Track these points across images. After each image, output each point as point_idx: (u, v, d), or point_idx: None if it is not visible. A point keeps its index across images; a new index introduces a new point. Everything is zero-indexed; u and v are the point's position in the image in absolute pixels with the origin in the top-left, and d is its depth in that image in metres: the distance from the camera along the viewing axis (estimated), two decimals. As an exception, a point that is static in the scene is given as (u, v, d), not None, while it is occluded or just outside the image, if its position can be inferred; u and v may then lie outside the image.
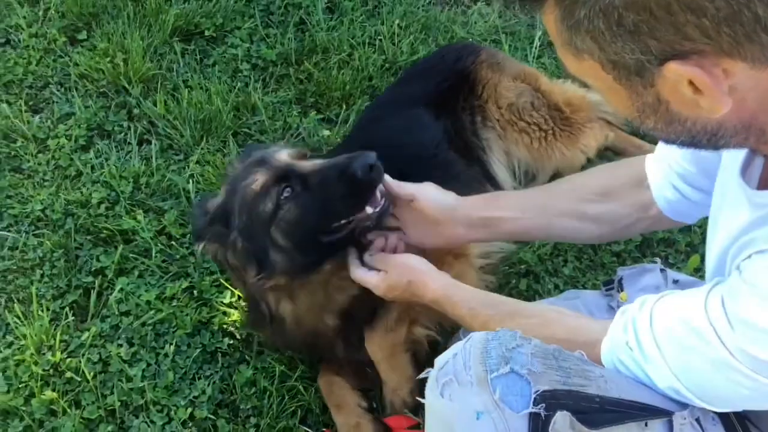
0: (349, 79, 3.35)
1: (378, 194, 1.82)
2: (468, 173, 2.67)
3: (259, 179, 1.84)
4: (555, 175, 2.93)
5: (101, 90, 3.27)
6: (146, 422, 2.14)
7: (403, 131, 2.66)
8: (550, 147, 2.87)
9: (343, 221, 1.84)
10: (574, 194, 1.91)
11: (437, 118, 2.72)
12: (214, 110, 3.14)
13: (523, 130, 2.83)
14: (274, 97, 3.30)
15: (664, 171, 1.74)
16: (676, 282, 1.98)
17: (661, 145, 1.74)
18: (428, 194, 1.89)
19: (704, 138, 1.15)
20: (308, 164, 1.87)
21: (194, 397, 2.22)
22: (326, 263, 1.95)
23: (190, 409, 2.15)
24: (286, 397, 2.19)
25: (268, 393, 2.19)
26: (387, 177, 1.87)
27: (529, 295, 2.56)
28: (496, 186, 2.75)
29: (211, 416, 2.16)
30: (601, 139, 3.01)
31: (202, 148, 3.03)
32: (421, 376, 1.42)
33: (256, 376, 2.24)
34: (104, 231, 2.66)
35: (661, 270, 2.00)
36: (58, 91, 3.27)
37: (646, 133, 1.26)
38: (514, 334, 1.32)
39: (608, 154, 3.03)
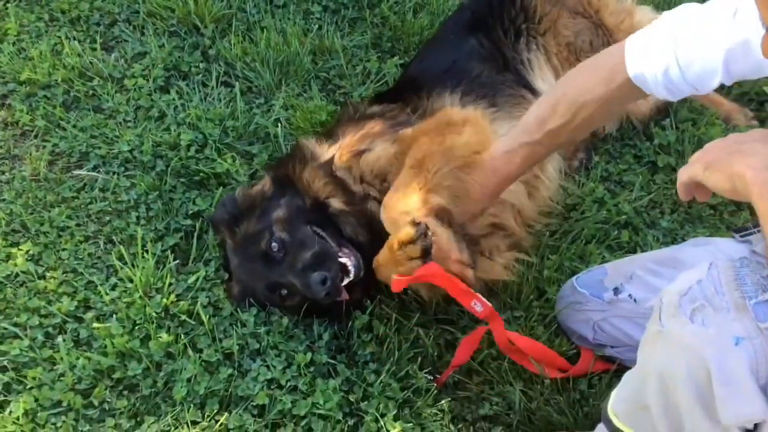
0: (426, 24, 3.27)
1: (348, 268, 2.14)
2: (495, 78, 2.72)
3: (259, 294, 2.24)
4: (621, 120, 2.92)
5: (172, 29, 3.16)
6: (266, 366, 2.12)
7: (430, 52, 2.88)
8: None
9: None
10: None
11: (467, 37, 2.78)
12: (292, 53, 3.05)
13: None
14: (349, 41, 3.22)
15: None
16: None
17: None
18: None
19: None
20: (286, 275, 2.15)
21: (311, 342, 2.20)
22: None
23: (309, 354, 2.13)
24: (404, 344, 2.17)
25: (388, 339, 2.17)
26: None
27: (630, 248, 2.55)
28: (537, 94, 2.73)
29: (331, 360, 2.15)
30: None
31: (284, 92, 2.96)
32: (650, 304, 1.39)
33: (373, 323, 2.22)
34: (200, 174, 2.60)
35: None
36: (127, 29, 3.16)
37: None
38: (762, 263, 1.31)
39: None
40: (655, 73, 1.64)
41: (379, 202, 2.22)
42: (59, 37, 3.05)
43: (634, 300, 2.06)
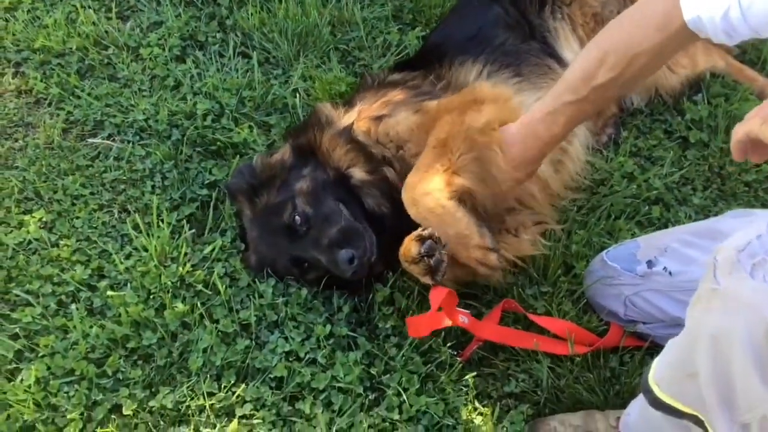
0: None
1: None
2: (520, 46, 2.61)
3: (279, 267, 2.16)
4: (650, 94, 2.81)
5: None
6: (284, 338, 2.05)
7: (453, 21, 2.77)
8: None
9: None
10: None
11: (491, 4, 2.67)
12: (311, 23, 2.97)
13: None
14: (369, 13, 3.13)
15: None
16: None
17: None
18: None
19: None
20: (310, 251, 2.07)
21: (330, 314, 2.13)
22: None
23: (329, 326, 2.06)
24: (427, 317, 2.09)
25: (410, 312, 2.09)
26: None
27: (661, 224, 2.45)
28: (563, 64, 2.64)
29: (351, 333, 2.08)
30: (705, 63, 2.85)
31: (303, 63, 2.87)
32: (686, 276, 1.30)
33: (394, 296, 2.14)
34: (217, 143, 2.53)
35: None
36: (143, -1, 3.08)
37: None
38: None
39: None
40: (714, 16, 1.50)
41: (395, 168, 2.14)
42: (74, 6, 2.98)
43: (669, 273, 1.97)
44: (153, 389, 1.96)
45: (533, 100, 2.46)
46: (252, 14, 2.98)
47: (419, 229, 1.93)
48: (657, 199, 2.53)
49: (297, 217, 2.07)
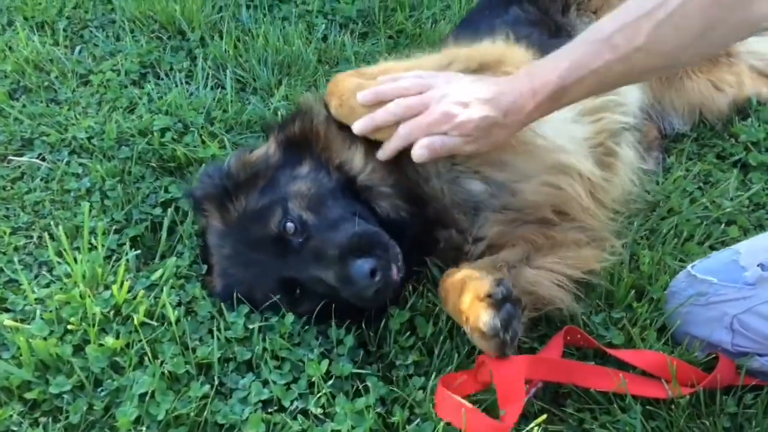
0: (448, 31, 2.82)
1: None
2: (549, 42, 2.18)
3: (259, 294, 1.58)
4: (694, 117, 2.42)
5: (153, 35, 2.68)
6: (260, 381, 1.42)
7: (465, 28, 2.45)
8: (678, 80, 2.37)
9: None
10: None
11: (507, 8, 2.36)
12: (295, 53, 2.57)
13: None
14: (360, 47, 2.75)
15: None
16: None
17: None
18: None
19: None
20: (308, 268, 1.51)
21: (327, 349, 1.51)
22: None
23: (325, 363, 1.44)
24: (462, 349, 1.49)
25: (441, 342, 1.49)
26: None
27: (743, 246, 1.93)
28: None
29: (359, 371, 1.45)
30: (752, 86, 2.49)
31: (285, 89, 2.43)
32: None
33: (416, 321, 1.54)
34: (176, 159, 2.00)
35: None
36: (100, 34, 2.67)
37: None
38: None
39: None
40: None
41: None
42: (17, 36, 2.55)
43: (798, 272, 1.43)
44: (58, 458, 1.28)
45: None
46: (227, 42, 2.57)
47: (489, 283, 1.35)
48: (729, 221, 2.02)
49: (289, 224, 1.52)
